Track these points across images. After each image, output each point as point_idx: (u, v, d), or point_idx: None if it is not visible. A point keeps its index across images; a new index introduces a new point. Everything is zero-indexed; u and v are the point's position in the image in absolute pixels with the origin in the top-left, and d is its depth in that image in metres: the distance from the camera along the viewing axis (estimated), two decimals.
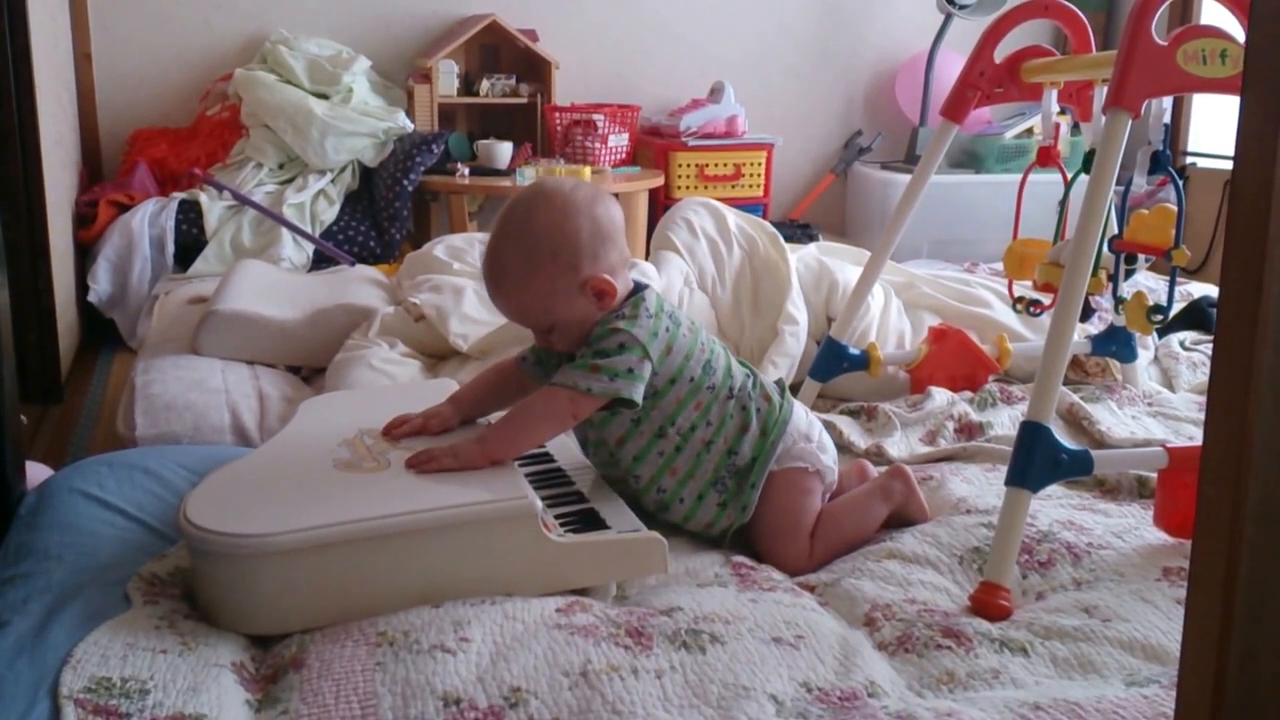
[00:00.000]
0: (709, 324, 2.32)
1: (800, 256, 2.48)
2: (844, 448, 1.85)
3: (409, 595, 1.20)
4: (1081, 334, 2.25)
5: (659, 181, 3.89)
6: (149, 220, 3.28)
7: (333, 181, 3.59)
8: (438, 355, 2.27)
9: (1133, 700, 1.07)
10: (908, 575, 1.38)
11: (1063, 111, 2.34)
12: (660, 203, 3.80)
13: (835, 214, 4.56)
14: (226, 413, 2.01)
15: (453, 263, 2.54)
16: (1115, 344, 2.21)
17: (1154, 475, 1.57)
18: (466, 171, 3.67)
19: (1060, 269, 1.69)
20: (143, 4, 3.82)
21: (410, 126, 3.73)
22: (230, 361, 2.24)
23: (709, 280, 2.43)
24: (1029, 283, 2.12)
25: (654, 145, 4.03)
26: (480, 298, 2.26)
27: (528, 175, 3.57)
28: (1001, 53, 2.06)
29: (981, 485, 1.67)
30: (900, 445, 1.90)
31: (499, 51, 4.05)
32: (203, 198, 3.39)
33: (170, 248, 3.27)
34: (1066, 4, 2.06)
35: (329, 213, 3.50)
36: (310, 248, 3.39)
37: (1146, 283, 2.87)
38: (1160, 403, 2.12)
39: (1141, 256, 1.90)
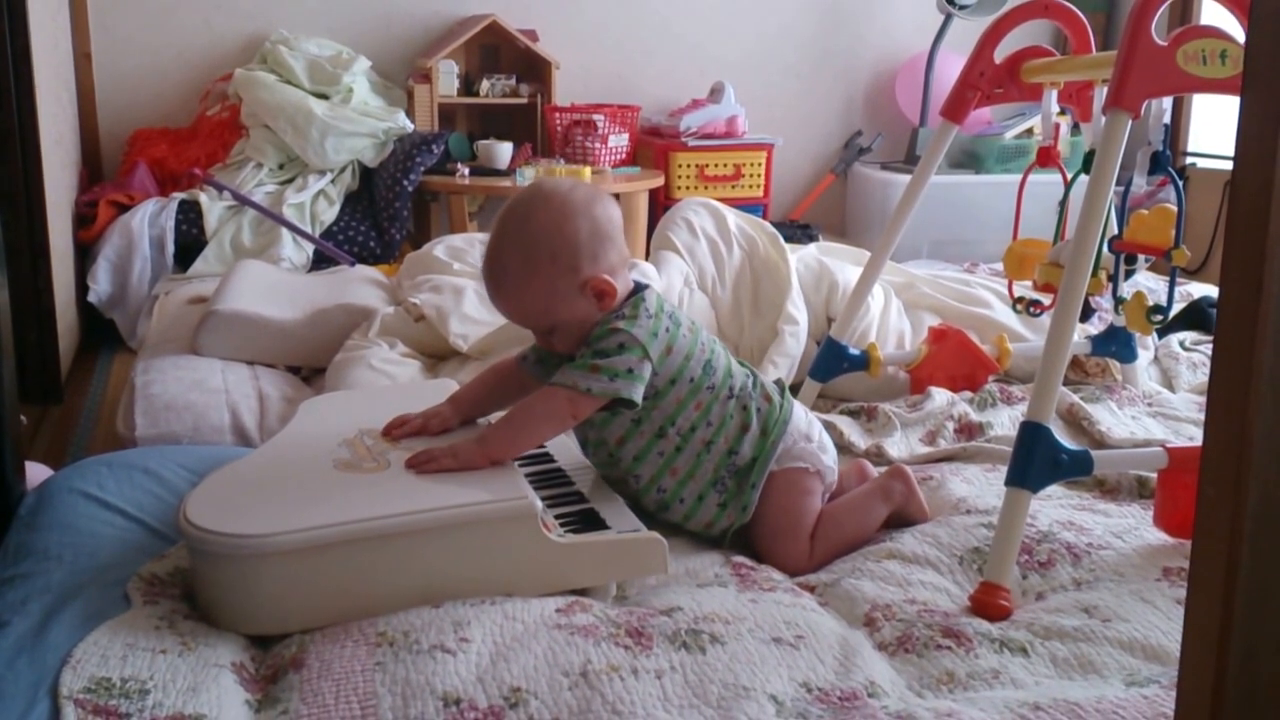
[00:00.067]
0: (709, 324, 2.32)
1: (800, 257, 2.48)
2: (844, 448, 1.85)
3: (409, 595, 1.20)
4: (1081, 334, 2.25)
5: (659, 182, 3.89)
6: (149, 220, 3.28)
7: (333, 182, 3.59)
8: (438, 355, 2.27)
9: (1133, 700, 1.07)
10: (908, 575, 1.38)
11: (1063, 112, 2.34)
12: (660, 203, 3.80)
13: (835, 214, 4.56)
14: (226, 413, 2.01)
15: (453, 263, 2.54)
16: (1115, 344, 2.21)
17: (1154, 475, 1.57)
18: (466, 172, 3.67)
19: (1060, 269, 1.69)
20: (143, 4, 3.82)
21: (410, 126, 3.73)
22: (230, 362, 2.24)
23: (709, 280, 2.43)
24: (1029, 283, 2.12)
25: (654, 145, 4.03)
26: (480, 298, 2.26)
27: (528, 175, 3.57)
28: (1001, 53, 2.06)
29: (981, 485, 1.67)
30: (900, 445, 1.90)
31: (499, 51, 4.05)
32: (203, 198, 3.39)
33: (170, 248, 3.27)
34: (1066, 4, 2.06)
35: (329, 213, 3.50)
36: (310, 248, 3.39)
37: (1146, 283, 2.87)
38: (1160, 403, 2.12)
39: (1141, 257, 1.90)
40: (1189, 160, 4.29)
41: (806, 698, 1.10)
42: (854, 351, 2.16)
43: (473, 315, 2.25)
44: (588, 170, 3.74)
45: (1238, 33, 1.52)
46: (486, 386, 1.53)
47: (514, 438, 1.37)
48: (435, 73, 3.83)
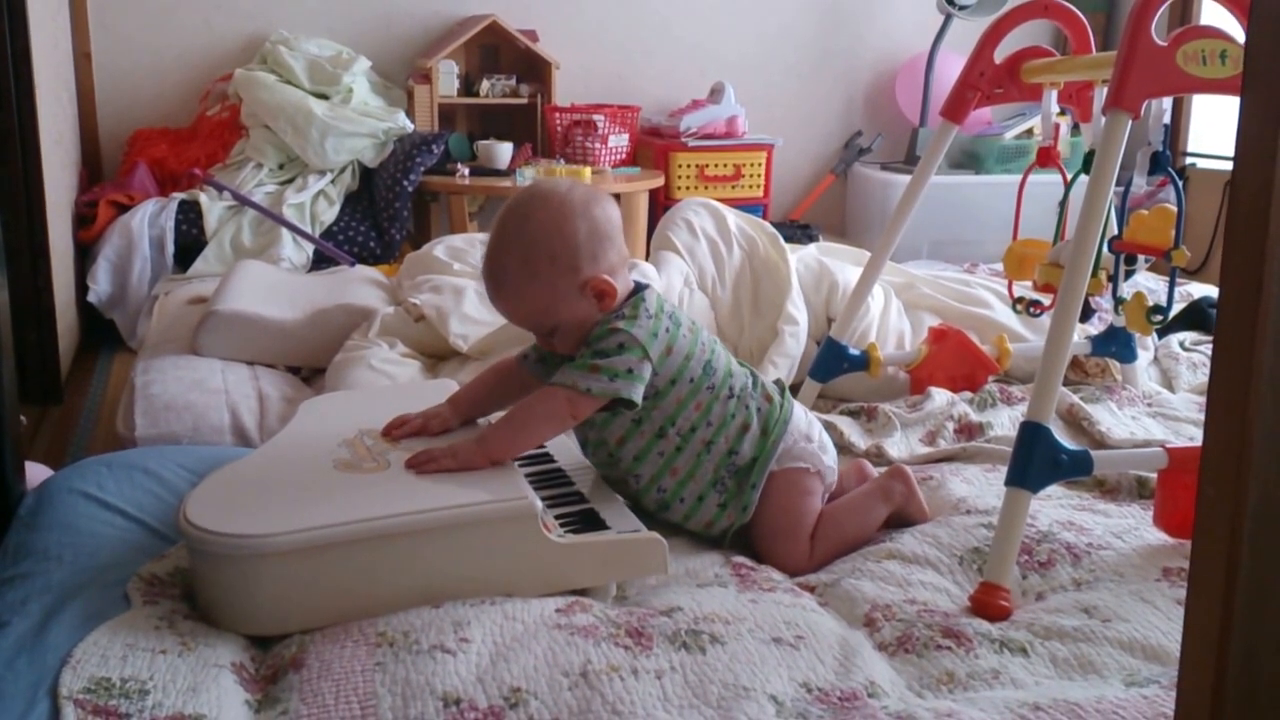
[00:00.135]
0: (709, 324, 2.32)
1: (800, 257, 2.48)
2: (844, 448, 1.85)
3: (409, 595, 1.20)
4: (1081, 334, 2.25)
5: (659, 182, 3.89)
6: (149, 220, 3.28)
7: (333, 182, 3.59)
8: (438, 355, 2.27)
9: (1133, 700, 1.07)
10: (908, 575, 1.38)
11: (1063, 112, 2.34)
12: (660, 203, 3.80)
13: (835, 214, 4.56)
14: (226, 413, 2.01)
15: (453, 263, 2.54)
16: (1115, 344, 2.21)
17: (1154, 476, 1.57)
18: (466, 172, 3.67)
19: (1060, 269, 1.69)
20: (143, 4, 3.82)
21: (410, 127, 3.73)
22: (230, 362, 2.24)
23: (709, 281, 2.43)
24: (1029, 283, 2.12)
25: (654, 146, 4.03)
26: (480, 298, 2.26)
27: (528, 176, 3.57)
28: (1001, 53, 2.06)
29: (981, 485, 1.67)
30: (900, 446, 1.90)
31: (499, 52, 4.05)
32: (203, 198, 3.39)
33: (170, 248, 3.27)
34: (1066, 4, 2.06)
35: (329, 213, 3.50)
36: (310, 248, 3.39)
37: (1146, 283, 2.87)
38: (1160, 403, 2.12)
39: (1141, 257, 1.90)
40: (1189, 160, 4.29)
41: (806, 698, 1.10)
42: (854, 352, 2.16)
43: (473, 315, 2.25)
44: (588, 170, 3.74)
45: (1238, 33, 1.52)
46: (486, 386, 1.53)
47: (514, 438, 1.37)
48: (435, 73, 3.83)
